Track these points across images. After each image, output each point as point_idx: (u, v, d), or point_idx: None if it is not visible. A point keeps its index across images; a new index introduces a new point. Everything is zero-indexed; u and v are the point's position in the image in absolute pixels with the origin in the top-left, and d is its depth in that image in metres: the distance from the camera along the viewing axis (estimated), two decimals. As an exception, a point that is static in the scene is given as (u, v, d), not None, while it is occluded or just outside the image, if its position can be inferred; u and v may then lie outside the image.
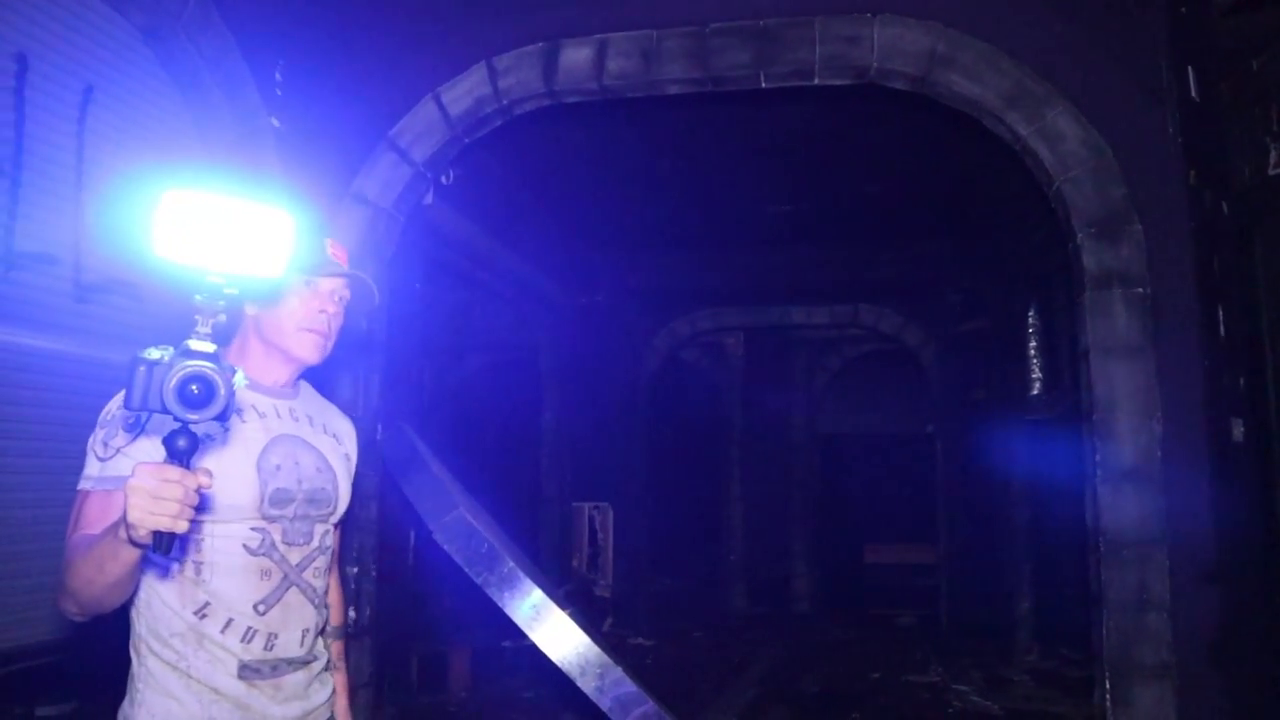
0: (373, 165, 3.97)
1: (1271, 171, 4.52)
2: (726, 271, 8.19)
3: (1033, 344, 7.43)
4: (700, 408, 9.90)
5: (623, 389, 8.35)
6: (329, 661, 1.86)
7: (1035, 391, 7.44)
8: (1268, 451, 4.11)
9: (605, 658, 2.89)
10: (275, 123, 3.86)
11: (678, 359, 9.19)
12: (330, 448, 1.85)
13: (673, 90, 3.92)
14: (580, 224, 7.25)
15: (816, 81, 3.81)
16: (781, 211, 7.30)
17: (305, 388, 1.91)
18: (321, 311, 1.78)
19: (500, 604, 3.00)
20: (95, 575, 1.47)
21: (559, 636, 2.96)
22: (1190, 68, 3.66)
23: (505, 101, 3.94)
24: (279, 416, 1.78)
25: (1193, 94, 3.65)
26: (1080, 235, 3.49)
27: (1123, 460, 3.32)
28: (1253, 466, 3.81)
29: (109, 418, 1.66)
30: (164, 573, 1.64)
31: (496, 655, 6.02)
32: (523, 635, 6.22)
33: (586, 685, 2.89)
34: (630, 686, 2.88)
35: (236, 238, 1.29)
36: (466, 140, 4.04)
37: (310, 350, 1.78)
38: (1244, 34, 4.32)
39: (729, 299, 8.50)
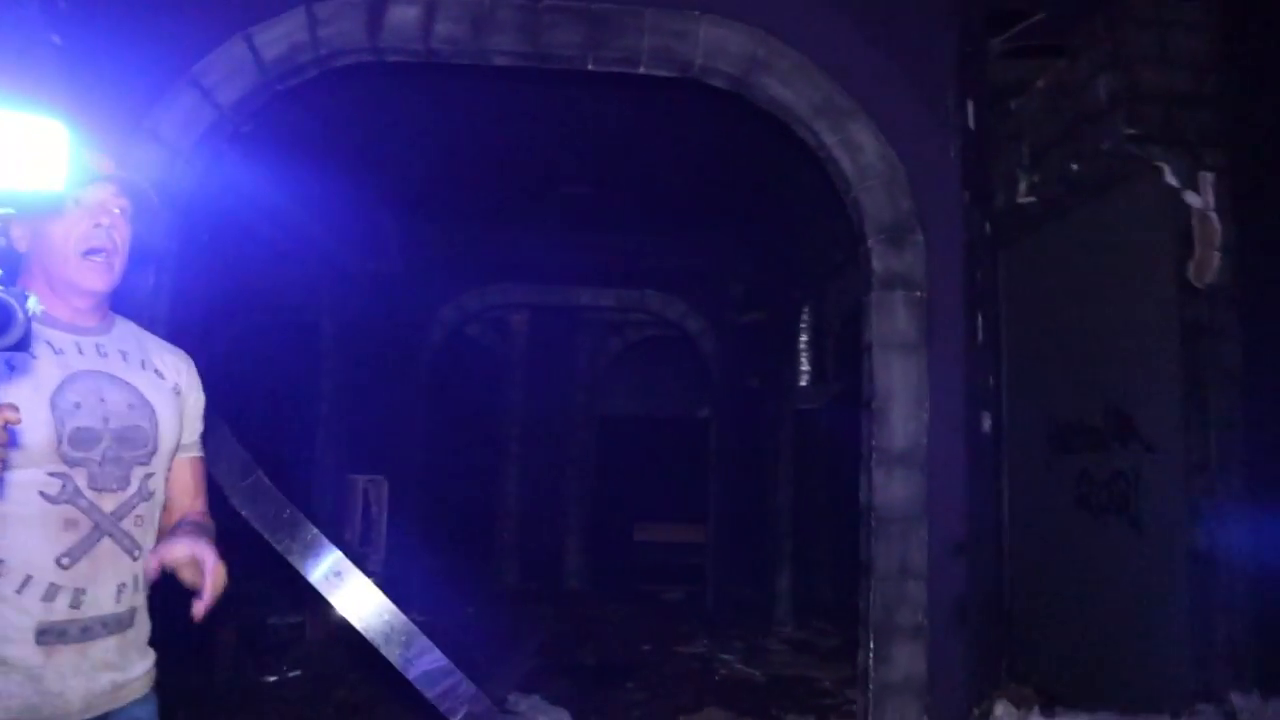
0: (171, 102, 3.66)
1: (1020, 200, 5.18)
2: (519, 249, 8.20)
3: (804, 339, 8.02)
4: (482, 384, 9.85)
5: (405, 361, 8.16)
6: (150, 634, 1.70)
7: (804, 383, 8.04)
8: (999, 443, 4.72)
9: (411, 626, 2.86)
10: (56, 39, 3.50)
11: (463, 334, 9.11)
12: (148, 382, 1.70)
13: (500, 61, 3.91)
14: (376, 188, 7.00)
15: (642, 70, 3.93)
16: (579, 194, 7.40)
17: (121, 323, 1.76)
18: (97, 226, 1.61)
19: (303, 572, 2.89)
20: None
21: (363, 602, 2.89)
22: (970, 100, 4.11)
23: (324, 51, 3.75)
24: (81, 353, 1.62)
25: (970, 124, 4.10)
26: (871, 240, 3.83)
27: (895, 445, 3.70)
28: (993, 455, 4.36)
29: None
30: None
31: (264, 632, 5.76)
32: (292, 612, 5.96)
33: (391, 654, 2.84)
34: (438, 657, 2.87)
35: (4, 151, 1.18)
36: (279, 87, 3.81)
37: (96, 276, 1.62)
38: (1008, 77, 4.91)
39: (519, 275, 8.53)
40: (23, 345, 1.20)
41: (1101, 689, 4.36)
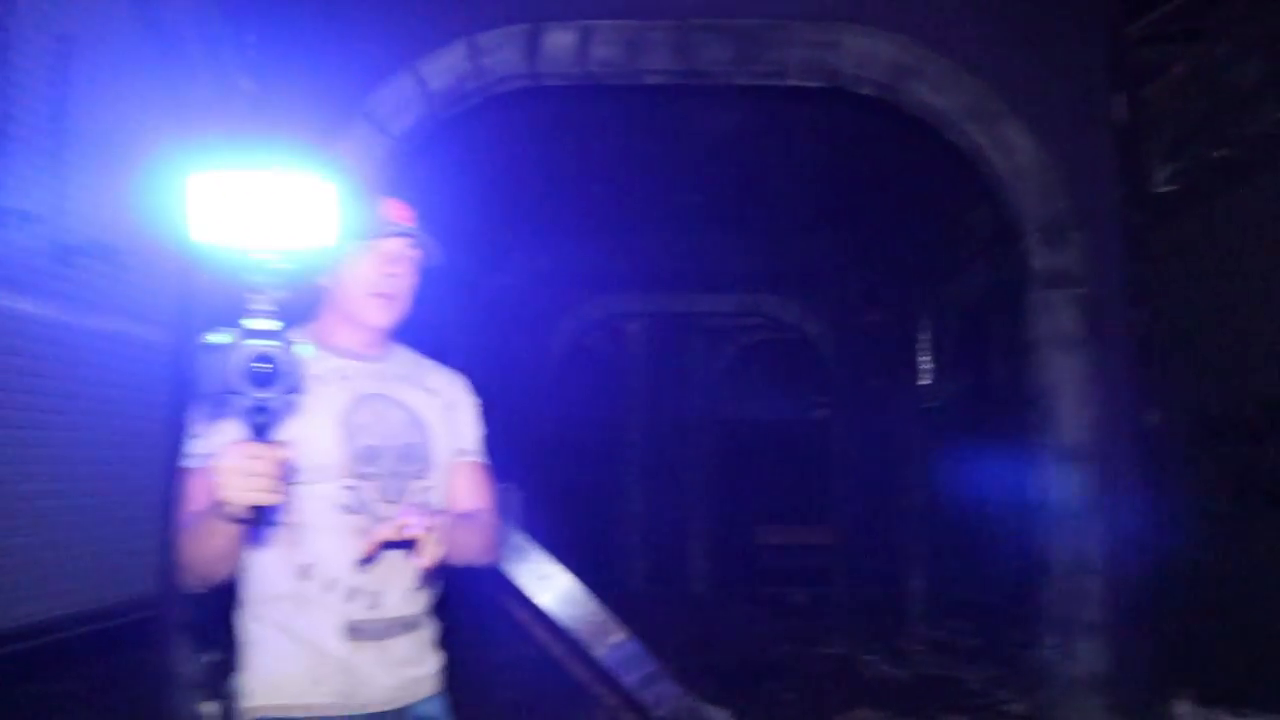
0: (347, 136, 3.90)
1: (1160, 189, 5.08)
2: (635, 258, 8.34)
3: (924, 338, 7.98)
4: (603, 393, 10.04)
5: (530, 373, 8.38)
6: (436, 634, 1.85)
7: (925, 382, 8.00)
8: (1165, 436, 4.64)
9: (615, 622, 3.00)
10: (248, 85, 3.75)
11: (583, 344, 9.29)
12: (423, 401, 1.86)
13: (652, 81, 4.03)
14: (499, 202, 7.21)
15: (790, 82, 4.01)
16: (695, 201, 7.52)
17: (399, 349, 1.93)
18: (385, 274, 1.78)
19: (512, 576, 3.05)
20: (202, 550, 1.55)
21: (569, 599, 3.04)
22: (1119, 92, 4.07)
23: (486, 80, 3.95)
24: (364, 378, 1.80)
25: (1121, 116, 4.06)
26: (1030, 239, 3.83)
27: (1064, 440, 3.69)
28: (1161, 448, 4.29)
29: (199, 396, 1.69)
30: (262, 538, 1.67)
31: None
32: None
33: (597, 649, 2.99)
34: (635, 647, 3.00)
35: (275, 212, 1.33)
36: (443, 115, 4.02)
37: (378, 314, 1.80)
38: (1145, 64, 4.83)
39: (637, 285, 8.67)
40: (294, 390, 1.34)
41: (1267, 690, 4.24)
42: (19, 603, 2.87)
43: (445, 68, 3.93)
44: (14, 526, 2.88)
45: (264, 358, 1.30)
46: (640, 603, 9.05)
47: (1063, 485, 3.65)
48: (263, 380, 1.29)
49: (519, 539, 3.11)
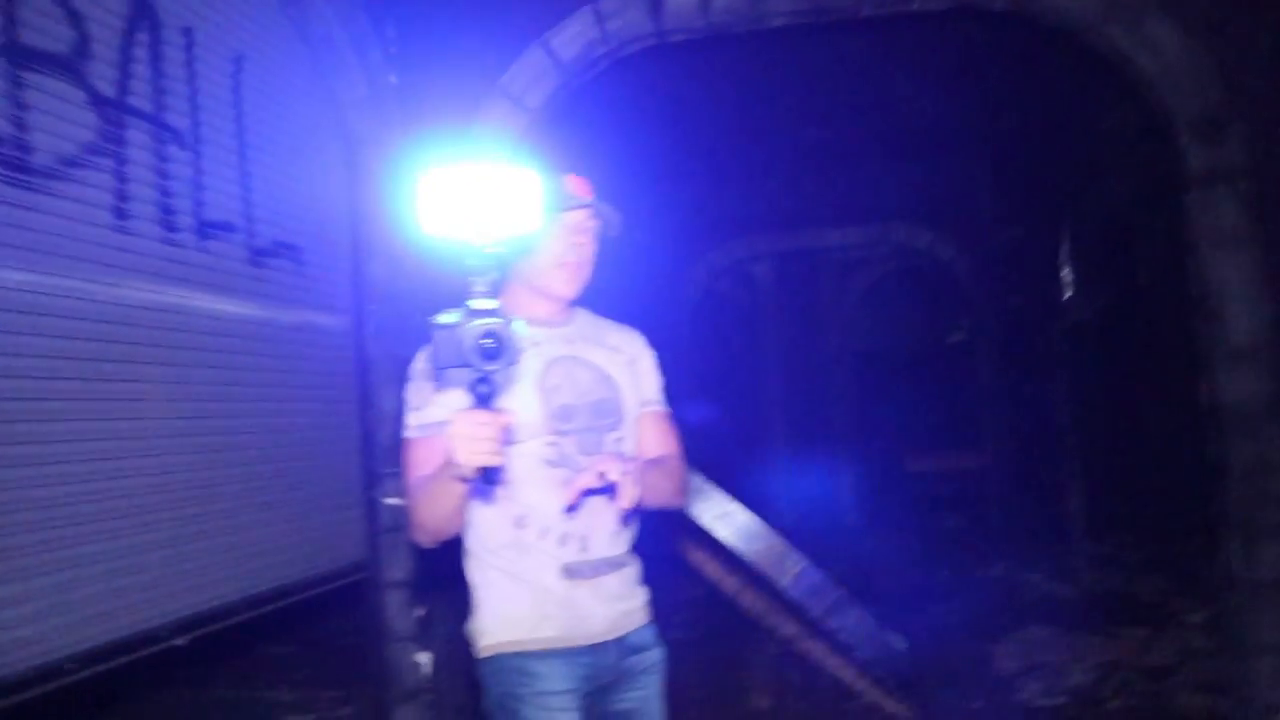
0: (487, 113, 4.08)
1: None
2: (761, 200, 8.34)
3: (1064, 251, 7.72)
4: (737, 337, 10.12)
5: (664, 325, 8.52)
6: (640, 571, 2.01)
7: (1069, 295, 7.76)
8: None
9: (796, 553, 3.14)
10: (393, 79, 3.97)
11: (712, 291, 9.37)
12: (607, 358, 2.00)
13: (776, 23, 4.05)
14: (627, 158, 7.31)
15: (915, 7, 3.96)
16: (818, 137, 7.45)
17: (580, 312, 2.08)
18: (570, 245, 1.93)
19: (694, 516, 3.22)
20: (435, 509, 1.75)
21: (751, 534, 3.20)
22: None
23: (613, 44, 4.05)
24: (553, 343, 1.95)
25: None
26: (1183, 137, 3.69)
27: (1235, 342, 3.58)
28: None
29: (415, 373, 1.92)
30: (487, 494, 1.86)
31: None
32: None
33: (782, 579, 3.14)
34: (819, 575, 3.14)
35: (494, 202, 1.45)
36: (576, 83, 4.14)
37: (566, 285, 1.94)
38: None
39: (764, 227, 8.66)
40: (513, 362, 1.50)
41: None
42: (256, 573, 3.21)
43: (573, 36, 4.05)
44: (248, 504, 3.22)
45: (489, 334, 1.44)
46: (794, 539, 9.21)
47: (1237, 387, 3.55)
48: (489, 355, 1.44)
49: (698, 481, 3.27)
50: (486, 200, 1.44)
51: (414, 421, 1.89)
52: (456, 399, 1.73)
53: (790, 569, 3.21)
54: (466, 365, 1.46)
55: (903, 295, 10.47)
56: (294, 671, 5.46)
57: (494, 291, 1.52)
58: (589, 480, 1.72)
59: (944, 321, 9.94)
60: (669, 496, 1.97)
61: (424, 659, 3.80)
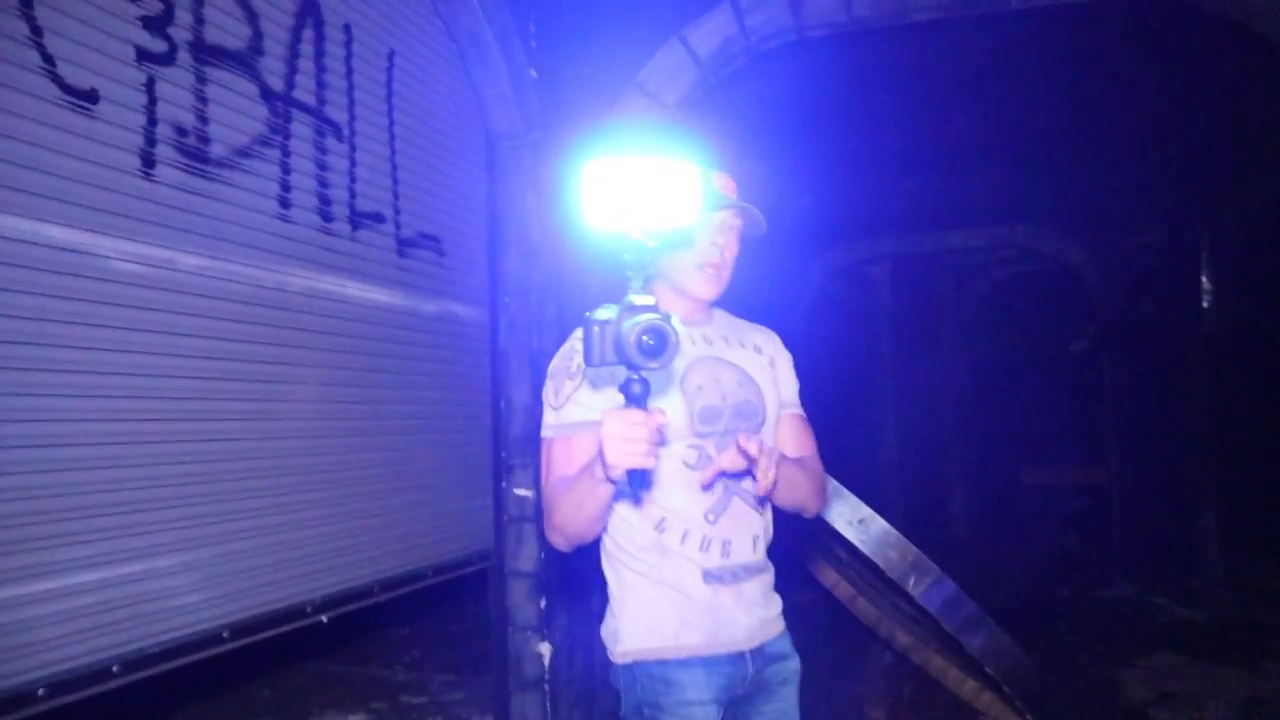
0: (625, 108, 4.08)
1: None
2: (880, 199, 8.12)
3: (1204, 255, 7.33)
4: (852, 338, 9.94)
5: (781, 321, 8.42)
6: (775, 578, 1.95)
7: (1206, 304, 7.36)
8: None
9: (930, 563, 3.07)
10: (534, 74, 4.01)
11: (828, 291, 9.22)
12: (749, 360, 1.94)
13: (920, 18, 3.94)
14: (752, 156, 7.26)
15: (1071, -1, 3.80)
16: (946, 134, 7.23)
17: (718, 312, 2.02)
18: (713, 245, 1.87)
19: (830, 520, 3.18)
20: (577, 511, 1.67)
21: (886, 542, 3.13)
22: None
23: (753, 39, 4.00)
24: (693, 343, 1.90)
25: None
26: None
27: None
28: None
29: (555, 370, 1.86)
30: (636, 497, 1.81)
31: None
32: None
33: (916, 589, 3.07)
34: (953, 588, 3.06)
35: (653, 195, 1.39)
36: (713, 80, 4.12)
37: (707, 285, 1.89)
38: None
39: (883, 227, 8.47)
40: (671, 361, 1.42)
41: None
42: (389, 557, 3.29)
43: (712, 32, 4.02)
44: (387, 489, 3.31)
45: (650, 330, 1.37)
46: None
47: None
48: (650, 352, 1.37)
49: (833, 486, 3.22)
50: (648, 193, 1.39)
51: (554, 420, 1.84)
52: (607, 398, 1.74)
53: (924, 579, 3.12)
54: (624, 363, 1.40)
55: (1026, 300, 10.09)
56: (410, 653, 5.62)
57: (648, 287, 1.49)
58: (725, 461, 1.67)
59: (1069, 328, 9.55)
60: (806, 497, 1.90)
61: (545, 649, 3.85)
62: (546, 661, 3.84)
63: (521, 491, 3.83)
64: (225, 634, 2.53)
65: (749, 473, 1.77)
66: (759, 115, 6.33)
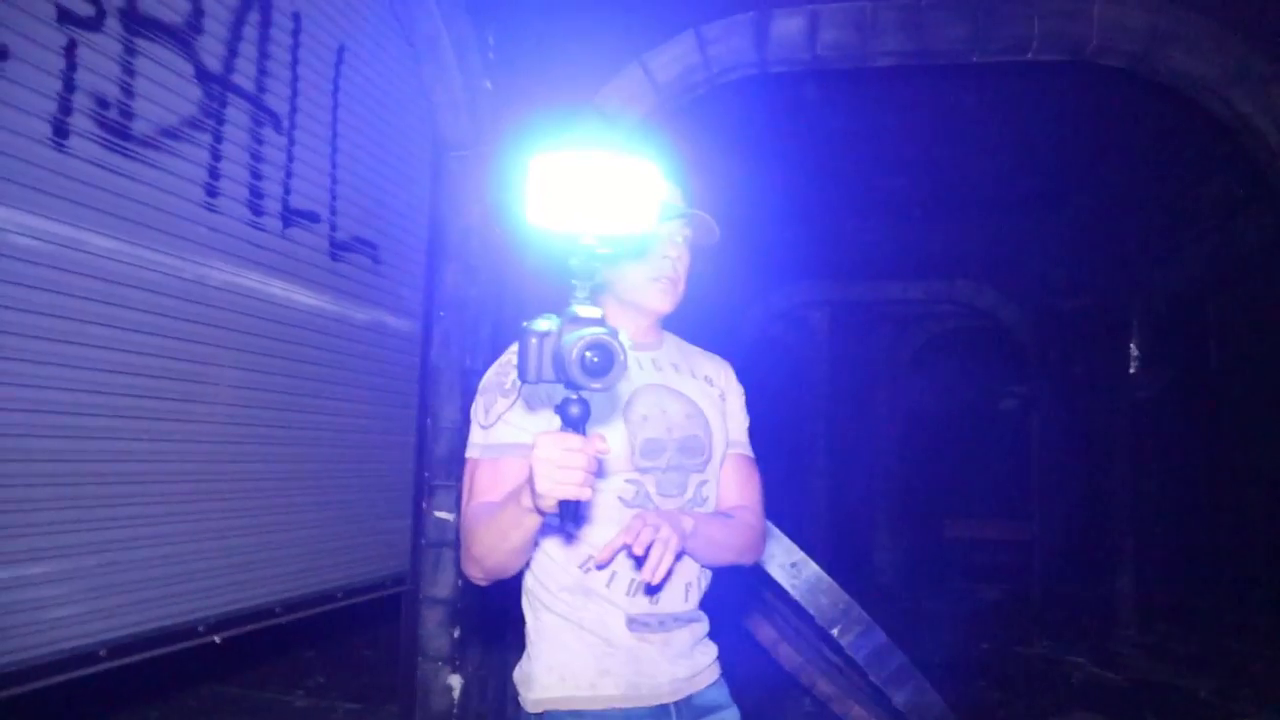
0: (577, 128, 3.99)
1: None
2: (823, 244, 8.18)
3: (1135, 322, 7.50)
4: (786, 383, 9.94)
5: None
6: (709, 627, 1.79)
7: (1134, 370, 7.52)
8: None
9: (862, 614, 2.98)
10: (489, 85, 3.90)
11: (766, 334, 9.22)
12: (699, 391, 1.78)
13: (883, 63, 3.94)
14: (695, 191, 7.23)
15: (1029, 57, 3.84)
16: (891, 185, 7.31)
17: (669, 337, 1.86)
18: (664, 257, 1.71)
19: (763, 564, 3.07)
20: (499, 543, 1.50)
21: (818, 589, 3.04)
22: None
23: (714, 70, 3.96)
24: (641, 368, 1.74)
25: None
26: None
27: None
28: None
29: (487, 385, 1.69)
30: (566, 534, 1.65)
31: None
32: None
33: (844, 638, 2.97)
34: (882, 638, 2.97)
35: (606, 196, 1.24)
36: (671, 107, 4.06)
37: (661, 299, 1.72)
38: None
39: (822, 272, 8.51)
40: (617, 382, 1.26)
41: None
42: (296, 575, 3.09)
43: (673, 59, 3.97)
44: (295, 502, 3.11)
45: (595, 345, 1.23)
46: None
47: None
48: (594, 370, 1.23)
49: (765, 525, 3.12)
50: (602, 192, 1.24)
51: (481, 440, 1.65)
52: (543, 420, 1.58)
53: (854, 627, 3.03)
54: (563, 381, 1.26)
55: (959, 355, 10.24)
56: (314, 678, 5.33)
57: (595, 299, 1.32)
58: (620, 542, 1.50)
59: (999, 386, 9.71)
60: (737, 554, 1.74)
61: (455, 682, 3.66)
62: (456, 695, 3.65)
63: (442, 514, 3.66)
64: (102, 652, 2.31)
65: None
66: (710, 145, 6.30)
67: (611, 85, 3.99)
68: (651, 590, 1.65)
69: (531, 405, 1.63)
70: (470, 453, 1.66)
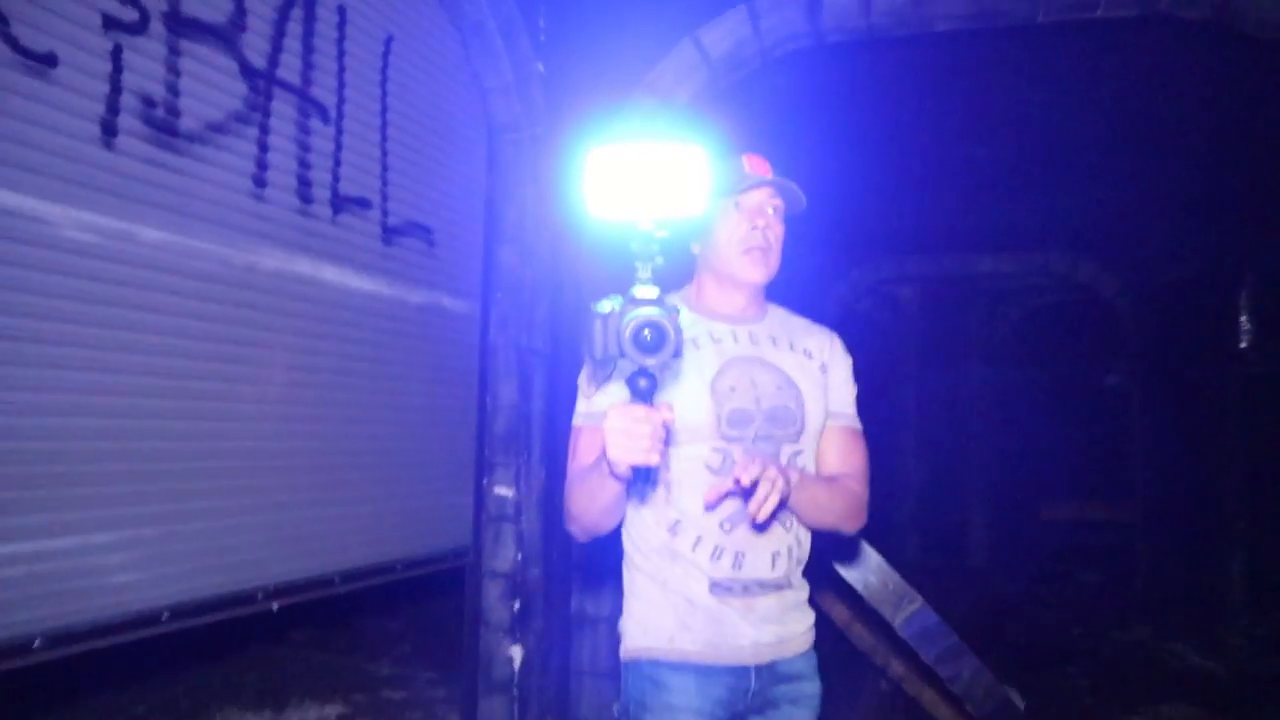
0: (633, 109, 4.00)
1: None
2: (909, 217, 7.94)
3: (1244, 296, 7.06)
4: (875, 360, 9.73)
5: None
6: (810, 594, 1.84)
7: (1245, 344, 7.09)
8: None
9: (909, 588, 2.93)
10: (540, 68, 3.95)
11: (855, 310, 9.04)
12: (796, 364, 1.83)
13: (942, 27, 3.82)
14: (778, 170, 7.13)
15: (1099, 14, 3.65)
16: (975, 153, 7.05)
17: (774, 309, 1.93)
18: (754, 228, 1.79)
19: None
20: (589, 504, 1.65)
21: (863, 564, 3.00)
22: None
23: (767, 42, 3.91)
24: (736, 341, 1.81)
25: None
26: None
27: None
28: None
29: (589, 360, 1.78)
30: (641, 495, 1.76)
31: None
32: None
33: (891, 614, 2.93)
34: (935, 618, 2.92)
35: (659, 182, 1.34)
36: (724, 83, 4.02)
37: (753, 270, 1.80)
38: None
39: (912, 247, 8.28)
40: (676, 355, 1.37)
41: None
42: (354, 548, 3.23)
43: (726, 33, 3.93)
44: (360, 479, 3.25)
45: (649, 324, 1.34)
46: (916, 575, 8.78)
47: None
48: (648, 346, 1.34)
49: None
50: (652, 179, 1.35)
51: (584, 408, 1.79)
52: (620, 389, 1.66)
53: (905, 608, 2.99)
54: (623, 356, 1.37)
55: (1058, 331, 9.81)
56: (400, 647, 5.57)
57: (658, 280, 1.42)
58: (728, 482, 1.58)
59: (1100, 362, 9.27)
60: (839, 519, 1.79)
61: (516, 652, 3.76)
62: (517, 665, 3.75)
63: (502, 490, 3.76)
64: (164, 615, 2.48)
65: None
66: (786, 121, 6.21)
67: (664, 63, 3.98)
68: (738, 558, 1.72)
69: (612, 378, 1.74)
70: (575, 420, 1.81)
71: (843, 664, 5.39)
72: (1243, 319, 7.09)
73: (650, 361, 1.35)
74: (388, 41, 3.37)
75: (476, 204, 3.91)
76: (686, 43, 3.96)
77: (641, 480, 1.46)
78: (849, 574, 3.04)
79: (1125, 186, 7.41)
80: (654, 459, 1.39)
